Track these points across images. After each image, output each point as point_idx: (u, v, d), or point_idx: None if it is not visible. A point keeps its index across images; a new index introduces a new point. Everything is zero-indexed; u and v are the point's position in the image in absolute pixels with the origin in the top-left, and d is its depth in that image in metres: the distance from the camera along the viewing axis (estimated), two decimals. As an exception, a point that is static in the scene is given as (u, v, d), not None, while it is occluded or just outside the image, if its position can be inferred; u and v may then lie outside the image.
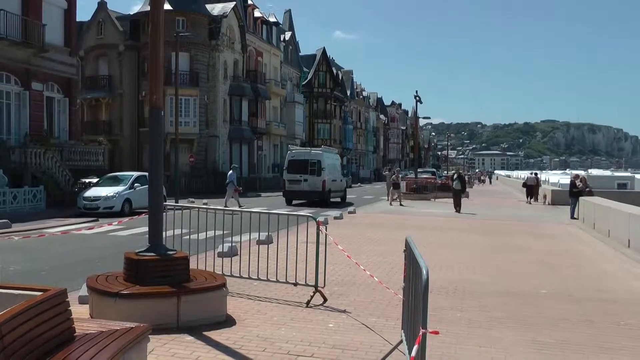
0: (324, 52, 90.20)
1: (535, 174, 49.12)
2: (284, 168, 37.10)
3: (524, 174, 62.57)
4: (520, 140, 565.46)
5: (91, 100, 53.84)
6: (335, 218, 24.19)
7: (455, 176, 33.42)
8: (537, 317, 9.05)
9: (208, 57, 54.52)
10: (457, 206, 30.94)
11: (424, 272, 4.77)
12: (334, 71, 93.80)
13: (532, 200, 42.34)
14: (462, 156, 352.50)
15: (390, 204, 34.35)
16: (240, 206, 27.87)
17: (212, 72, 54.78)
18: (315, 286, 9.48)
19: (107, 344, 5.07)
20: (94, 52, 54.73)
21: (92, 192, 27.90)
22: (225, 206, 27.03)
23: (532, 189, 42.91)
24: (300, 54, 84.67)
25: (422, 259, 5.14)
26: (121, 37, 54.08)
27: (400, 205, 34.32)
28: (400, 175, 38.33)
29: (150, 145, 8.73)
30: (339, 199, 37.65)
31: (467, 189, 41.32)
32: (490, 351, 7.27)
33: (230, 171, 31.90)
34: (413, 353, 4.60)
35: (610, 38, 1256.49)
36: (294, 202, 35.74)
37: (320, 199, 35.09)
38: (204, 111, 53.76)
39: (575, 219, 28.09)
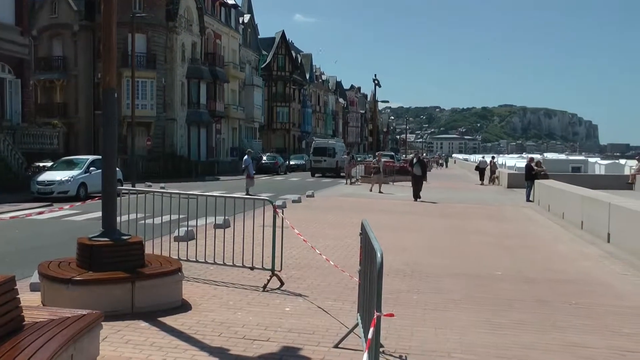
0: (283, 35, 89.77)
1: (492, 157, 51.92)
2: (311, 152, 57.31)
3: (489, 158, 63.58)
4: (478, 125, 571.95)
5: (45, 82, 52.53)
6: (294, 202, 24.14)
7: (414, 160, 29.59)
8: (492, 298, 9.16)
9: (165, 38, 53.71)
10: (417, 194, 27.64)
11: (379, 255, 4.75)
12: (293, 54, 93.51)
13: (485, 181, 44.53)
14: (421, 140, 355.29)
15: (370, 190, 32.23)
16: (248, 193, 27.25)
17: (169, 54, 54.00)
18: (272, 270, 9.44)
19: (57, 332, 4.96)
20: (48, 32, 53.30)
21: (46, 176, 27.39)
22: (247, 193, 27.18)
23: (484, 171, 45.83)
24: (259, 37, 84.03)
25: (377, 242, 5.13)
26: (76, 17, 52.69)
27: (380, 192, 31.58)
28: (382, 160, 36.38)
29: (104, 127, 8.59)
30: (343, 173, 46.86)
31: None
32: (446, 332, 7.33)
33: (246, 156, 31.61)
34: (369, 336, 4.60)
35: (566, 25, 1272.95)
36: (316, 175, 53.71)
37: (335, 173, 52.30)
38: (162, 94, 53.02)
39: (530, 201, 28.49)
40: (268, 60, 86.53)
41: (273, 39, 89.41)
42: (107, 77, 8.35)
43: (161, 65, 52.90)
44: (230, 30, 68.30)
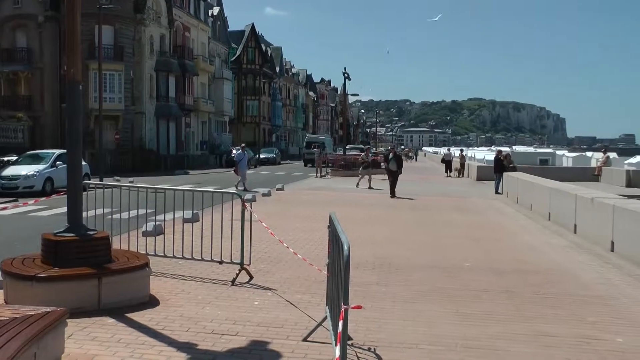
0: (252, 28, 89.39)
1: (461, 150, 54.07)
2: (304, 145, 67.05)
3: (455, 151, 64.36)
4: (448, 118, 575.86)
5: (8, 74, 51.47)
6: (264, 195, 24.06)
7: (390, 156, 27.62)
8: (460, 289, 9.21)
9: (133, 31, 53.11)
10: (393, 190, 25.99)
11: (345, 248, 4.74)
12: (263, 47, 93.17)
13: (451, 173, 45.89)
14: (391, 133, 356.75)
15: (357, 186, 30.41)
16: (237, 188, 27.40)
17: (137, 46, 53.44)
18: (241, 264, 9.39)
19: (19, 330, 4.86)
20: (11, 22, 52.16)
21: (10, 171, 26.99)
22: (244, 188, 27.67)
23: (450, 163, 47.07)
24: (229, 29, 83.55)
25: (344, 235, 5.11)
26: (40, 8, 51.67)
27: (370, 187, 29.84)
28: (370, 155, 35.91)
29: (69, 121, 8.45)
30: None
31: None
32: (414, 324, 7.35)
33: (239, 150, 31.49)
34: (339, 329, 4.59)
35: (534, 19, 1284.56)
36: (308, 165, 59.27)
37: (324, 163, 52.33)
38: (130, 87, 52.43)
39: (499, 193, 28.73)
40: (238, 53, 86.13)
41: (243, 32, 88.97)
42: (72, 69, 8.22)
43: (129, 57, 52.31)
44: (199, 23, 67.84)
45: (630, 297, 9.13)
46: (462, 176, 45.08)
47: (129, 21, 52.50)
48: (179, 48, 61.36)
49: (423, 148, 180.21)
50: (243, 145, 34.71)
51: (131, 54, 52.64)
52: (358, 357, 6.18)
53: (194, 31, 66.42)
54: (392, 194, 25.83)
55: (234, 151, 61.77)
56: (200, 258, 9.79)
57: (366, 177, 31.44)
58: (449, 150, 60.04)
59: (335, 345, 4.44)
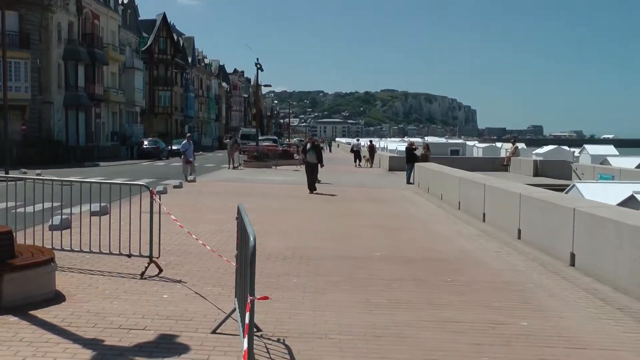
0: (164, 17, 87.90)
1: (370, 141, 56.62)
2: (239, 137, 61.50)
3: (364, 142, 65.36)
4: (361, 109, 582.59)
5: None
6: (175, 187, 23.72)
7: (309, 146, 25.19)
8: (370, 279, 9.34)
9: (40, 17, 51.33)
10: (313, 185, 23.91)
11: (251, 239, 4.75)
12: (175, 37, 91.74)
13: (360, 163, 47.57)
14: (305, 124, 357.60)
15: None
16: (187, 180, 27.43)
17: (44, 34, 51.69)
18: (150, 257, 9.24)
19: None
20: None
21: None
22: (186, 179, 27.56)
23: (359, 153, 48.81)
24: (140, 18, 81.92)
25: (250, 226, 5.11)
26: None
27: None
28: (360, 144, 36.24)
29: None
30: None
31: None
32: (324, 314, 7.41)
33: (184, 141, 30.88)
34: (246, 320, 4.59)
35: (444, 11, 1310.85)
36: None
37: None
38: (37, 76, 50.69)
39: (411, 184, 29.27)
40: (149, 43, 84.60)
41: (154, 21, 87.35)
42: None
43: (36, 45, 50.60)
44: (109, 11, 66.21)
45: (535, 282, 9.47)
46: (372, 166, 46.36)
47: (35, 7, 50.78)
48: (88, 36, 59.74)
49: (336, 139, 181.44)
50: (189, 135, 34.44)
51: (38, 41, 50.95)
52: (267, 349, 6.18)
53: (104, 19, 64.80)
54: (311, 189, 23.69)
55: (146, 142, 61.04)
56: (108, 252, 9.58)
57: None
58: (358, 140, 61.79)
59: (243, 337, 4.43)
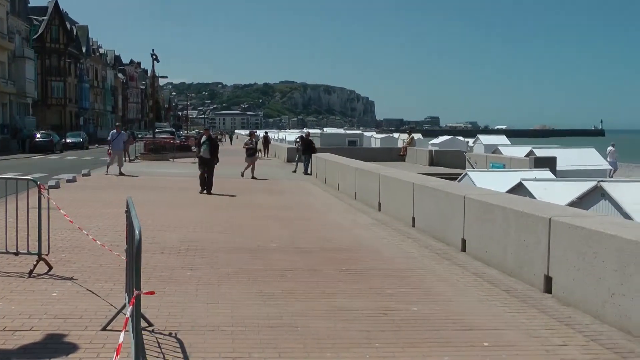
0: (56, 4, 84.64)
1: (265, 132, 59.28)
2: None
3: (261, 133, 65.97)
4: (260, 101, 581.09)
5: None
6: (69, 181, 22.95)
7: (203, 138, 21.78)
8: (265, 270, 9.35)
9: None
10: (209, 183, 20.65)
11: (137, 232, 4.68)
12: (68, 26, 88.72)
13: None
14: (204, 116, 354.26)
15: (242, 175, 27.02)
16: (107, 173, 27.25)
17: None
18: (39, 254, 8.91)
19: None
20: None
21: None
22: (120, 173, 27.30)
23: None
24: (29, 5, 78.80)
25: (137, 220, 5.02)
26: None
27: (253, 177, 26.44)
28: (255, 140, 35.61)
29: None
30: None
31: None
32: (217, 307, 7.37)
33: (114, 130, 29.73)
34: (127, 314, 4.51)
35: (344, 4, 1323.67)
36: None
37: None
38: None
39: (309, 174, 29.48)
40: (40, 31, 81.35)
41: (46, 8, 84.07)
42: None
43: None
44: (-5, -3, 63.33)
45: (426, 268, 9.72)
46: (268, 157, 47.31)
47: None
48: (-29, 24, 57.00)
49: (236, 131, 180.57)
50: (118, 124, 33.77)
51: None
52: (159, 343, 6.09)
53: (-10, 6, 61.93)
54: (206, 188, 20.50)
55: (38, 135, 58.72)
56: (-7, 250, 9.19)
57: (252, 165, 27.70)
58: (253, 132, 63.07)
59: (124, 331, 4.35)
